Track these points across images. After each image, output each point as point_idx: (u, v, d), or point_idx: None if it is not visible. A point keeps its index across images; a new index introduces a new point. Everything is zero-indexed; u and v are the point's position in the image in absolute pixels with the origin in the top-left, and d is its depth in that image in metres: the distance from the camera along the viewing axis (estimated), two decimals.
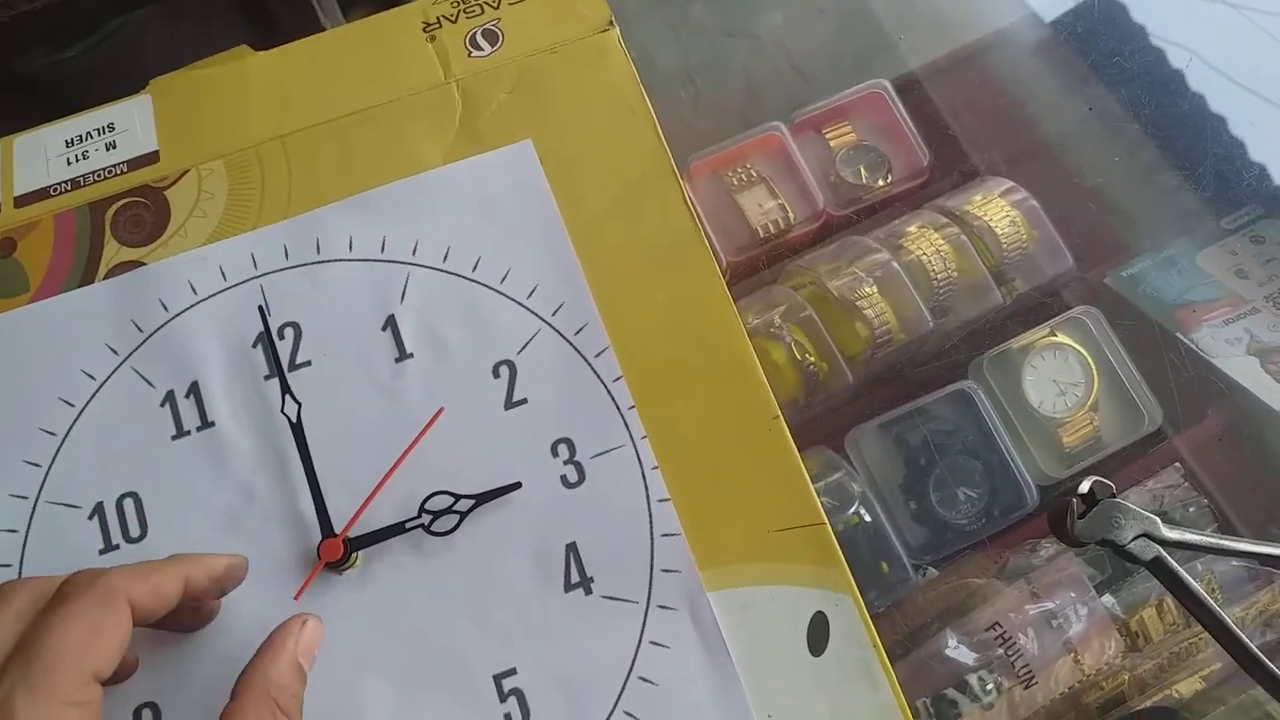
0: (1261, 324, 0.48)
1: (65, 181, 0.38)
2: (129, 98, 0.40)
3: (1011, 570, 0.44)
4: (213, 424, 0.35)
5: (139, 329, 0.36)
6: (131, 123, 0.39)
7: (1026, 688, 0.41)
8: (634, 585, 0.33)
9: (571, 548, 0.34)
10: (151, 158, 0.38)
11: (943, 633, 0.42)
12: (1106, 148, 0.52)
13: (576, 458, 0.35)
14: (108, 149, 0.38)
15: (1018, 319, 0.48)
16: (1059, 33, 0.56)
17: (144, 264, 0.37)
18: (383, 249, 0.37)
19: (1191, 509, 0.46)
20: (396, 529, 0.33)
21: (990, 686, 0.41)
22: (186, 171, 0.38)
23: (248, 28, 0.53)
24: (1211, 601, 0.38)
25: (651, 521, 0.34)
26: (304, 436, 0.34)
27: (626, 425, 0.35)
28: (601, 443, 0.35)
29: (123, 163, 0.38)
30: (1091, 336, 0.47)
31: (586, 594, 0.33)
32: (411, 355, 0.36)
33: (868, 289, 0.46)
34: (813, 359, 0.45)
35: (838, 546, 0.33)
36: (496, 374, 0.35)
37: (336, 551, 0.33)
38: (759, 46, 0.54)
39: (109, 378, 0.35)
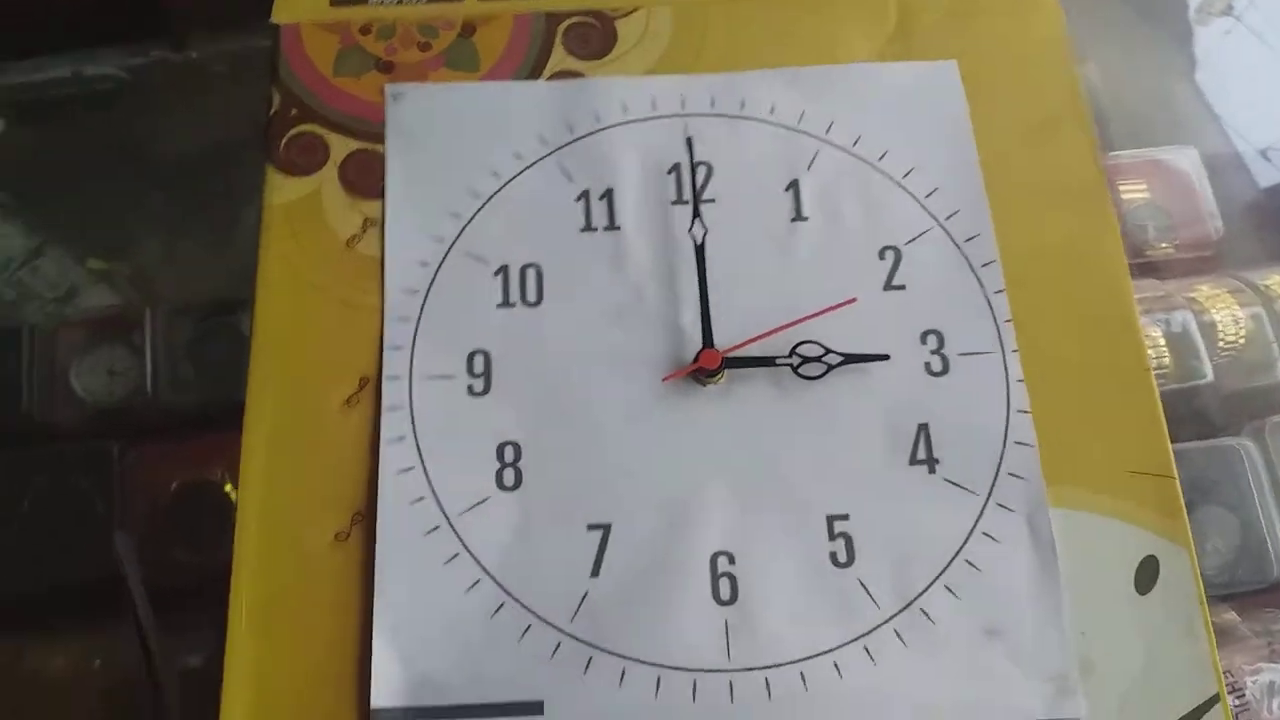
0: None
1: None
2: None
3: (1253, 621, 0.43)
4: (619, 228, 0.37)
5: (570, 130, 0.39)
6: None
7: None
8: (978, 478, 0.34)
9: (923, 427, 0.35)
10: None
11: None
12: None
13: (944, 350, 0.36)
14: None
15: None
16: None
17: (585, 76, 0.40)
18: (800, 120, 0.39)
19: None
20: (768, 361, 0.35)
21: None
22: (637, 9, 0.41)
23: None
24: None
25: (1008, 427, 0.35)
26: (703, 257, 0.36)
27: (1000, 335, 0.36)
28: (972, 343, 0.36)
29: None
30: None
31: (930, 472, 0.34)
32: (807, 218, 0.38)
33: (1152, 331, 0.46)
34: None
35: (1184, 505, 0.34)
36: (882, 256, 0.37)
37: (715, 360, 0.34)
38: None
39: (535, 163, 0.38)
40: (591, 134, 0.39)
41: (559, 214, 0.38)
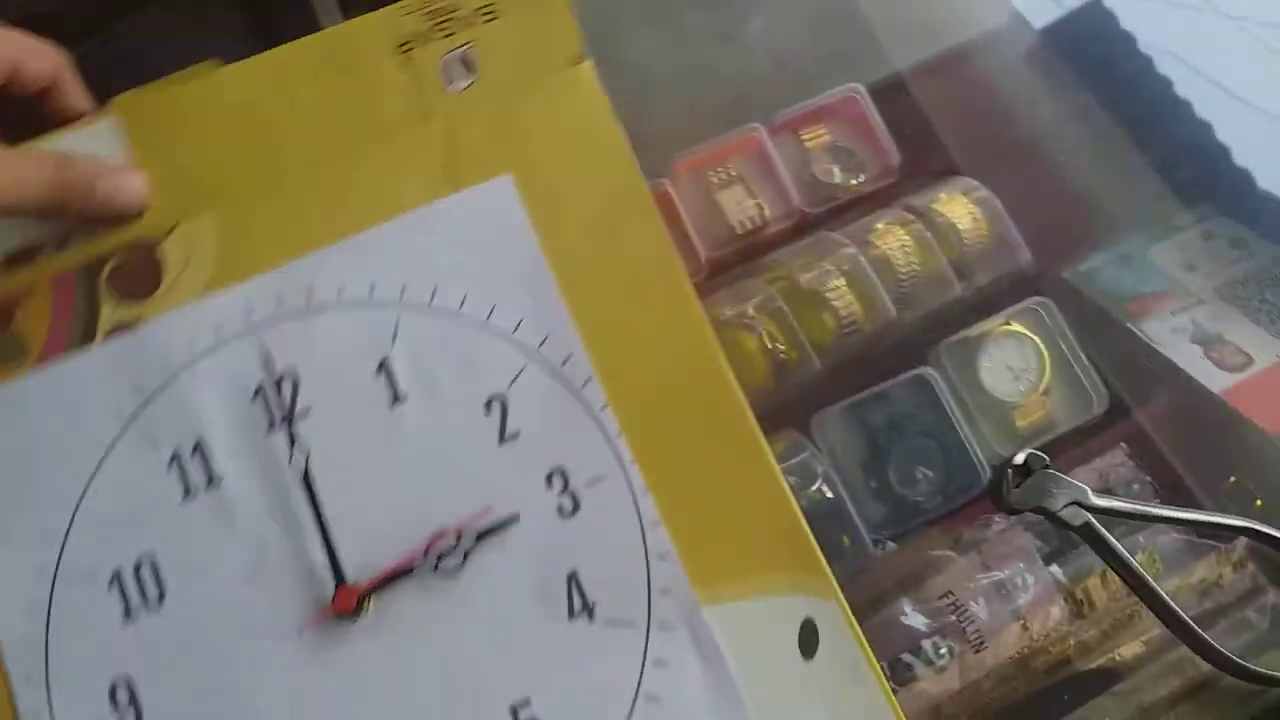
0: (1205, 315, 0.52)
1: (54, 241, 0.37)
2: (95, 118, 0.38)
3: (965, 544, 0.47)
4: (221, 479, 0.35)
5: (139, 391, 0.36)
6: (106, 147, 0.38)
7: (977, 652, 0.44)
8: (634, 608, 0.35)
9: (572, 576, 0.35)
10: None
11: (899, 601, 0.45)
12: (1081, 151, 0.55)
13: (570, 487, 0.36)
14: None
15: (976, 310, 0.50)
16: (1046, 38, 0.58)
17: (143, 322, 0.37)
18: (371, 293, 0.37)
19: (1135, 486, 0.49)
20: (406, 572, 0.34)
21: (943, 651, 0.44)
22: (176, 226, 0.38)
23: (246, 26, 0.52)
24: (1134, 562, 0.42)
25: (646, 545, 0.35)
26: (312, 485, 0.35)
27: (615, 452, 0.36)
28: (593, 470, 0.36)
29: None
30: (1045, 325, 0.50)
31: (590, 620, 0.35)
32: (406, 397, 0.36)
33: (835, 281, 0.49)
34: (783, 348, 0.48)
35: (820, 555, 0.35)
36: (488, 410, 0.36)
37: (350, 601, 0.34)
38: (749, 51, 0.56)
39: (115, 443, 0.35)
40: (164, 386, 0.36)
41: (155, 490, 0.35)
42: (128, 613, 0.34)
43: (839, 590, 0.35)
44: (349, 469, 0.36)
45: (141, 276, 0.37)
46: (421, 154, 0.39)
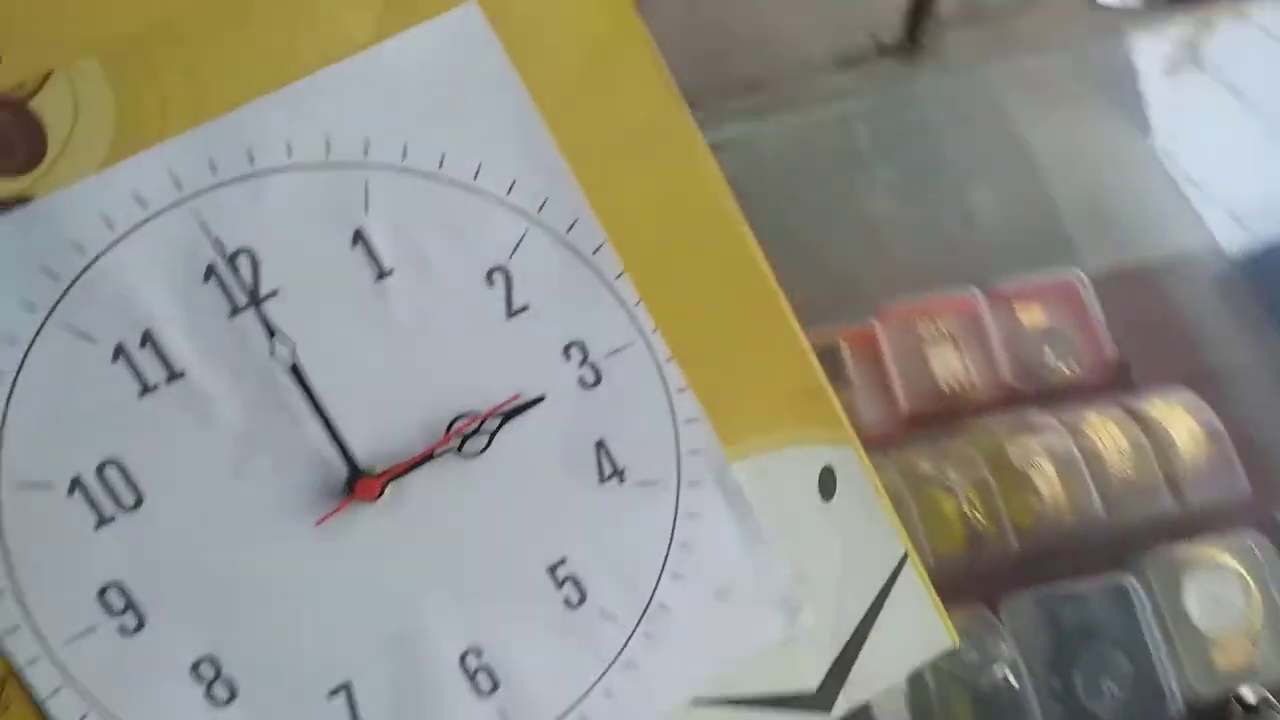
0: None
1: None
2: None
3: None
4: (182, 374, 0.30)
5: (54, 277, 0.29)
6: None
7: None
8: (664, 469, 0.34)
9: (600, 444, 0.34)
10: None
11: None
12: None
13: (590, 359, 0.33)
14: None
15: (1185, 527, 0.49)
16: (1239, 268, 0.59)
17: (32, 198, 0.29)
18: (328, 151, 0.31)
19: None
20: (428, 457, 0.32)
21: None
22: (50, 75, 0.29)
23: None
24: None
25: (673, 411, 0.34)
26: (304, 376, 0.31)
27: (635, 321, 0.34)
28: (613, 341, 0.33)
29: None
30: (1258, 565, 0.48)
31: (621, 483, 0.34)
32: (391, 271, 0.32)
33: (1044, 465, 0.49)
34: (981, 519, 0.48)
35: (838, 404, 0.36)
36: (490, 282, 0.32)
37: (374, 489, 0.31)
38: (945, 214, 0.58)
39: (35, 338, 0.29)
40: (85, 271, 0.30)
41: (103, 386, 0.30)
42: (101, 519, 0.30)
43: (856, 437, 0.36)
44: (337, 354, 0.31)
45: (19, 142, 0.29)
46: None
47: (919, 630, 0.38)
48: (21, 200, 0.29)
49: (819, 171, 0.56)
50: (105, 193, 0.29)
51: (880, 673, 0.38)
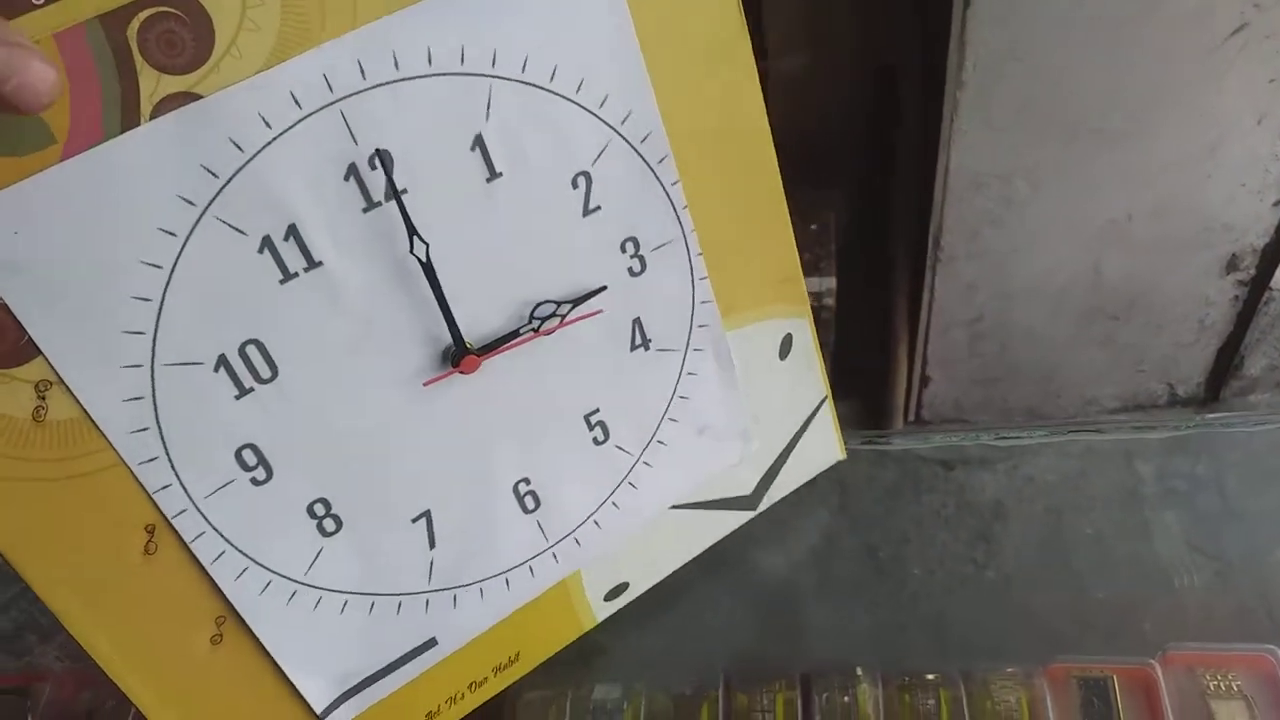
0: None
1: None
2: None
3: None
4: (320, 264, 0.33)
5: (213, 174, 0.31)
6: None
7: None
8: (678, 339, 0.43)
9: (636, 321, 0.41)
10: None
11: None
12: None
13: (640, 252, 0.40)
14: None
15: None
16: None
17: (198, 95, 0.29)
18: (462, 60, 0.33)
19: None
20: (514, 336, 0.38)
21: None
22: None
23: None
24: None
25: (694, 294, 0.43)
26: (434, 272, 0.35)
27: (680, 222, 0.40)
28: (659, 236, 0.40)
29: None
30: None
31: (646, 350, 0.42)
32: (501, 174, 0.35)
33: None
34: None
35: (804, 286, 0.46)
36: (575, 184, 0.37)
37: (475, 365, 0.37)
38: (1239, 569, 0.54)
39: (192, 232, 0.31)
40: (241, 169, 0.31)
41: (249, 274, 0.32)
42: (241, 391, 0.34)
43: (810, 310, 0.47)
44: (451, 248, 0.35)
45: (188, 40, 0.29)
46: None
47: (823, 449, 0.52)
48: (187, 98, 0.29)
49: (1098, 502, 0.55)
50: (266, 92, 0.30)
51: (793, 480, 0.51)
